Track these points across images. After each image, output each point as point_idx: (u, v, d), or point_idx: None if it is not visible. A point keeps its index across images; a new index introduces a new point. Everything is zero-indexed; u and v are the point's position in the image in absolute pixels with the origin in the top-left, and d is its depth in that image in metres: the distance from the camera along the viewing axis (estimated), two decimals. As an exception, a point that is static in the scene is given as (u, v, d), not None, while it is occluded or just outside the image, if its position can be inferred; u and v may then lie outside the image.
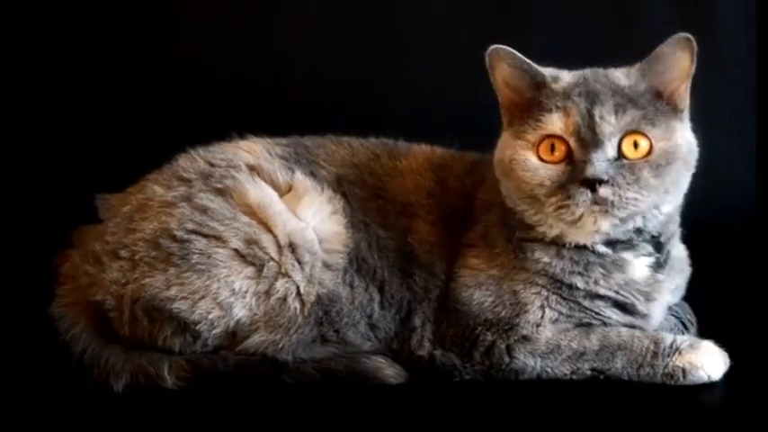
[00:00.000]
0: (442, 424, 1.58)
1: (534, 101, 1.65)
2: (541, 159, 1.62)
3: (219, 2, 2.51)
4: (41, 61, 2.43)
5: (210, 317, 1.68)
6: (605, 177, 1.56)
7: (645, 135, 1.60)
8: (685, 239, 1.81)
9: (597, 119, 1.58)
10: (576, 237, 1.66)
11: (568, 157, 1.61)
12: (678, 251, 1.79)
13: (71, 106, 2.44)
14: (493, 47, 1.66)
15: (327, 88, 2.44)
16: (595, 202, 1.57)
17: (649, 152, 1.60)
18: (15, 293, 2.04)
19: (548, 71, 1.67)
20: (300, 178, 1.77)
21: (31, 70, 2.43)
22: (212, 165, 1.78)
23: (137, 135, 2.40)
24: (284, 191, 1.77)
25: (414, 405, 1.64)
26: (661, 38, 2.47)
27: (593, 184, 1.56)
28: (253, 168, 1.77)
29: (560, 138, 1.61)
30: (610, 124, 1.58)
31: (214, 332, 1.69)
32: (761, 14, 2.41)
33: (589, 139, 1.58)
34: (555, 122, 1.60)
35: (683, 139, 1.64)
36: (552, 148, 1.61)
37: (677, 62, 1.63)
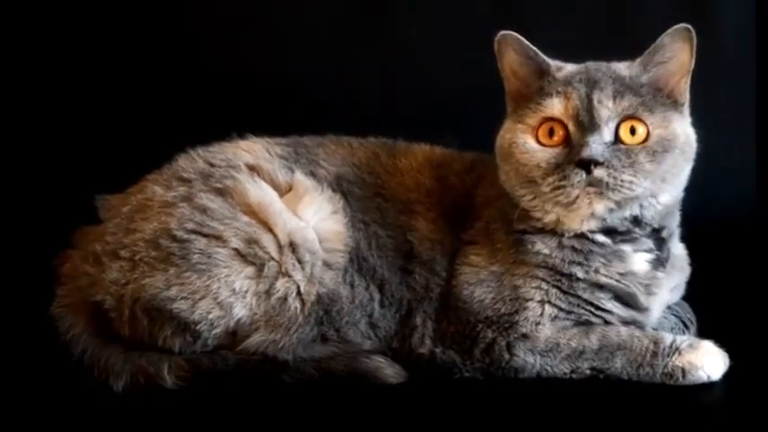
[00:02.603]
0: (442, 424, 1.58)
1: (537, 88, 1.68)
2: (540, 143, 1.65)
3: (220, 2, 2.51)
4: (41, 61, 2.43)
5: (211, 317, 1.68)
6: (600, 159, 1.59)
7: (642, 121, 1.63)
8: (685, 238, 1.81)
9: (596, 103, 1.61)
10: (572, 222, 1.67)
11: (566, 141, 1.63)
12: (678, 249, 1.80)
13: (71, 106, 2.44)
14: (502, 33, 1.69)
15: (327, 88, 2.44)
16: (590, 184, 1.60)
17: (646, 138, 1.63)
18: (15, 293, 2.04)
19: (553, 62, 1.70)
20: (300, 178, 1.77)
21: (31, 70, 2.43)
22: (212, 165, 1.78)
23: (137, 135, 2.40)
24: (284, 190, 1.77)
25: (414, 405, 1.64)
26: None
27: (588, 165, 1.59)
28: (253, 168, 1.77)
29: (559, 121, 1.64)
30: (607, 108, 1.61)
31: (214, 332, 1.69)
32: (761, 14, 2.41)
33: (587, 122, 1.61)
34: (555, 106, 1.64)
35: (680, 129, 1.66)
36: (551, 132, 1.64)
37: (677, 53, 1.66)
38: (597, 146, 1.59)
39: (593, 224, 1.67)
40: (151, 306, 1.69)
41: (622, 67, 1.68)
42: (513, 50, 1.69)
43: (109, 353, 1.71)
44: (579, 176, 1.59)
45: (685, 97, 1.69)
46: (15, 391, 1.70)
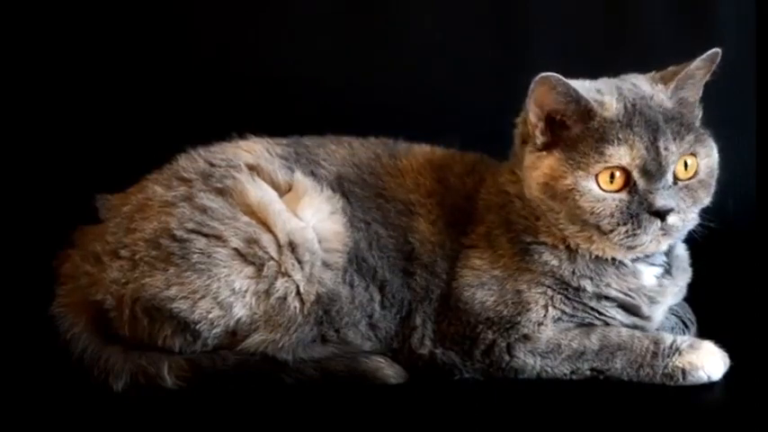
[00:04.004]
0: (442, 424, 1.58)
1: (587, 130, 1.61)
2: (602, 188, 1.61)
3: (220, 1, 2.51)
4: (41, 61, 2.43)
5: (210, 316, 1.68)
6: (674, 207, 1.59)
7: (694, 155, 1.62)
8: (685, 240, 1.81)
9: (662, 150, 1.58)
10: (618, 254, 1.67)
11: (628, 185, 1.61)
12: (680, 250, 1.79)
13: (71, 106, 2.43)
14: (543, 75, 1.58)
15: (327, 88, 2.43)
16: (662, 229, 1.60)
17: (696, 171, 1.63)
18: (15, 293, 2.04)
19: (591, 96, 1.62)
20: (300, 178, 1.77)
21: (31, 70, 2.43)
22: (212, 165, 1.78)
23: (137, 135, 2.40)
24: (284, 190, 1.77)
25: (414, 405, 1.64)
26: (661, 37, 2.48)
27: (663, 214, 1.59)
28: (253, 168, 1.77)
29: (623, 168, 1.60)
30: (673, 153, 1.59)
31: (214, 332, 1.69)
32: (761, 14, 2.41)
33: (654, 170, 1.59)
34: (622, 156, 1.59)
35: (715, 148, 1.67)
36: (612, 177, 1.60)
37: (702, 72, 1.66)
38: (667, 191, 1.59)
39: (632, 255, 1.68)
40: (151, 306, 1.69)
41: (662, 96, 1.64)
42: (555, 93, 1.60)
43: (109, 353, 1.71)
44: (655, 225, 1.60)
45: (700, 108, 1.69)
46: (15, 391, 1.70)
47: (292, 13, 2.47)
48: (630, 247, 1.64)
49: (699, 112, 1.69)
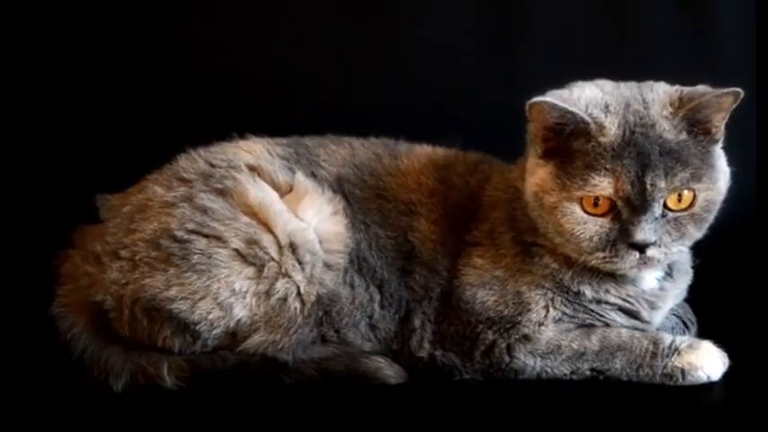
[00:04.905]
0: (442, 424, 1.58)
1: (580, 151, 1.59)
2: (585, 211, 1.60)
3: (220, 1, 2.51)
4: (41, 61, 2.43)
5: (210, 317, 1.68)
6: (654, 240, 1.57)
7: (690, 189, 1.59)
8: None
9: (648, 186, 1.55)
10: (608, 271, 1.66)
11: (612, 211, 1.59)
12: (682, 253, 1.78)
13: (71, 106, 2.43)
14: (535, 100, 1.57)
15: (328, 88, 2.43)
16: (641, 260, 1.59)
17: (692, 203, 1.59)
18: (15, 293, 2.04)
19: (590, 115, 1.58)
20: (301, 178, 1.77)
21: (31, 70, 2.43)
22: (213, 165, 1.78)
23: (137, 135, 2.40)
24: (285, 191, 1.77)
25: (414, 405, 1.64)
26: (661, 37, 2.48)
27: (642, 247, 1.57)
28: (253, 169, 1.77)
29: (608, 198, 1.58)
30: (659, 189, 1.56)
31: (214, 332, 1.69)
32: (761, 14, 2.40)
33: (639, 204, 1.56)
34: (605, 187, 1.57)
35: (723, 179, 1.62)
36: (596, 201, 1.59)
37: (722, 105, 1.59)
38: (650, 225, 1.56)
39: None
40: (151, 306, 1.69)
41: (666, 126, 1.58)
42: (548, 116, 1.58)
43: (109, 353, 1.71)
44: (632, 256, 1.58)
45: (721, 133, 1.62)
46: (15, 391, 1.70)
47: (292, 13, 2.47)
48: (609, 271, 1.63)
49: (718, 135, 1.62)
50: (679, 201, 1.59)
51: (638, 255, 1.58)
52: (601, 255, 1.60)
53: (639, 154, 1.56)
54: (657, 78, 1.69)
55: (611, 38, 2.43)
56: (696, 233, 1.62)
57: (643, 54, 2.40)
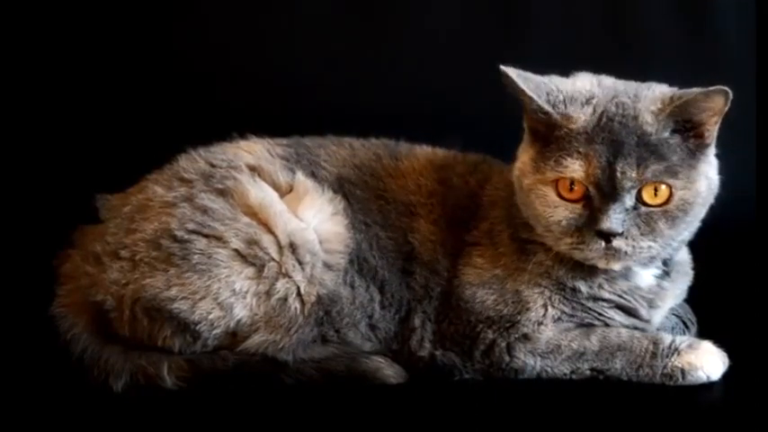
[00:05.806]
0: (442, 424, 1.58)
1: (555, 133, 1.60)
2: (560, 196, 1.60)
3: (220, 1, 2.51)
4: (41, 61, 2.43)
5: (211, 317, 1.68)
6: (620, 230, 1.56)
7: (666, 183, 1.58)
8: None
9: (618, 173, 1.55)
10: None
11: (586, 198, 1.59)
12: (682, 254, 1.78)
13: (71, 106, 2.44)
14: (501, 67, 1.59)
15: (328, 88, 2.44)
16: (608, 249, 1.58)
17: (668, 200, 1.58)
18: (15, 293, 2.04)
19: (552, 105, 1.59)
20: (301, 179, 1.77)
21: (31, 70, 2.43)
22: (213, 165, 1.78)
23: (137, 135, 2.40)
24: (285, 191, 1.77)
25: (414, 405, 1.64)
26: (661, 37, 2.48)
27: (608, 236, 1.57)
28: (253, 169, 1.77)
29: (579, 181, 1.59)
30: (630, 180, 1.55)
31: (214, 332, 1.69)
32: (761, 14, 2.41)
33: (608, 191, 1.56)
34: (576, 170, 1.57)
35: (704, 183, 1.61)
36: (571, 186, 1.59)
37: (711, 105, 1.57)
38: (618, 215, 1.56)
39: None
40: (151, 306, 1.69)
41: (648, 119, 1.57)
42: (514, 91, 1.59)
43: (109, 353, 1.71)
44: (598, 245, 1.57)
45: (713, 137, 1.61)
46: (15, 391, 1.70)
47: (293, 13, 2.48)
48: (579, 259, 1.63)
49: (709, 140, 1.60)
50: (655, 195, 1.58)
51: (603, 244, 1.57)
52: (568, 240, 1.60)
53: (614, 141, 1.57)
54: (657, 78, 1.69)
55: (612, 38, 2.43)
56: (668, 231, 1.60)
57: (643, 54, 2.41)
